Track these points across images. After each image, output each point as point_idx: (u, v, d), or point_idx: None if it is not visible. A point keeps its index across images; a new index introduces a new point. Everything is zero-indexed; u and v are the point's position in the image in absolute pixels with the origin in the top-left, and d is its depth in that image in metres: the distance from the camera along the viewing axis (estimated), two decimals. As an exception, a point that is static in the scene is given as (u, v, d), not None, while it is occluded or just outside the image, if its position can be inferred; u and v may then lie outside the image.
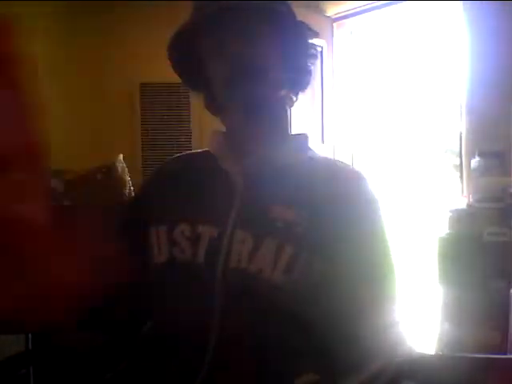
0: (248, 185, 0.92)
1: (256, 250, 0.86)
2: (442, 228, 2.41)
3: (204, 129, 3.16)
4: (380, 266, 0.90)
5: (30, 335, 1.75)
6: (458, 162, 2.73)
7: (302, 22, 0.95)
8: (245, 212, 0.90)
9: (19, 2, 2.16)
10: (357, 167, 0.99)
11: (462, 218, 2.36)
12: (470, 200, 2.49)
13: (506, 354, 1.98)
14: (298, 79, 0.99)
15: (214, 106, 1.00)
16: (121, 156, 2.71)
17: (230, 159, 0.96)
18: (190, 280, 0.88)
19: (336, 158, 1.01)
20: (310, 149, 1.00)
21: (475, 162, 2.46)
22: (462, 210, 2.44)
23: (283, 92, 0.96)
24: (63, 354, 1.72)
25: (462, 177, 2.70)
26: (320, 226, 0.88)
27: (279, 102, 0.97)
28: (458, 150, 2.73)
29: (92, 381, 0.93)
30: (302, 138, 1.00)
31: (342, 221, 0.89)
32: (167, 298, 0.89)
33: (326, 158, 1.02)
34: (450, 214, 2.39)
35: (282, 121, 0.99)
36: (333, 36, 3.34)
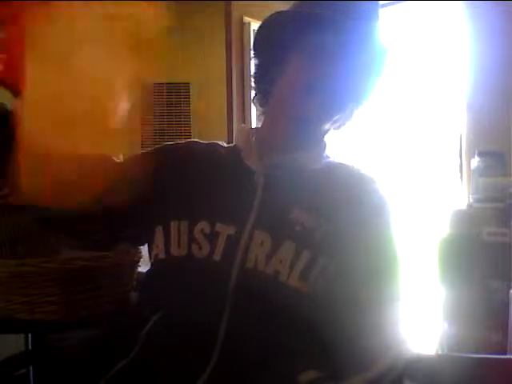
0: (269, 184, 0.92)
1: (274, 252, 0.86)
2: (442, 228, 2.41)
3: (204, 129, 3.15)
4: (387, 268, 0.91)
5: (29, 335, 1.74)
6: (458, 162, 2.73)
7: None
8: (264, 212, 0.89)
9: None
10: (371, 172, 0.98)
11: (462, 218, 2.35)
12: (470, 200, 2.49)
13: (506, 354, 1.98)
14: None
15: (266, 99, 1.00)
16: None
17: (256, 156, 0.96)
18: (204, 277, 0.87)
19: (351, 163, 1.01)
20: (327, 154, 1.01)
21: (475, 161, 2.46)
22: (462, 210, 2.44)
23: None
24: (63, 353, 1.71)
25: (461, 177, 2.70)
26: (335, 231, 0.89)
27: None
28: (458, 150, 2.73)
29: (93, 380, 0.92)
30: (323, 143, 1.01)
31: (354, 225, 0.89)
32: (179, 292, 0.88)
33: (341, 164, 1.01)
34: (450, 215, 2.39)
35: (323, 130, 0.99)
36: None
